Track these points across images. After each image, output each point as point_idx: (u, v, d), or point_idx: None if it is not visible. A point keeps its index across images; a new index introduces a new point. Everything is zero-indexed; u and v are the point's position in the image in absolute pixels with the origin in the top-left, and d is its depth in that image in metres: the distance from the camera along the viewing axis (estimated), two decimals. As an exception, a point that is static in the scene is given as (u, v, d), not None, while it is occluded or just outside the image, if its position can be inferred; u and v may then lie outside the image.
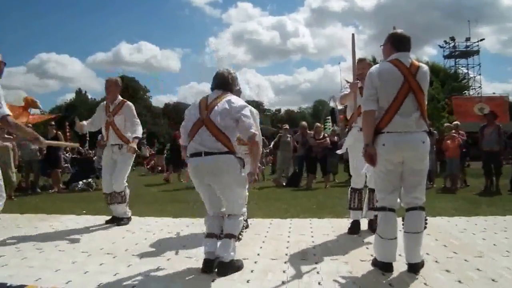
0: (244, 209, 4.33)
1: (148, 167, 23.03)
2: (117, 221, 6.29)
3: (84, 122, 6.45)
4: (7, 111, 4.13)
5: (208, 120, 3.95)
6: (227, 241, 3.97)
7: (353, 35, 5.11)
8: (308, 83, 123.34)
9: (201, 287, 3.59)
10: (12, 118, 4.20)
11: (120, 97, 6.35)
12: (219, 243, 4.00)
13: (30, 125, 10.21)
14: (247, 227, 5.43)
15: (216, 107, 3.98)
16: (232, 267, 3.94)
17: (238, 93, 4.50)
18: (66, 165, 14.31)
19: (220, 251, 3.93)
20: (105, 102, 6.44)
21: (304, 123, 14.19)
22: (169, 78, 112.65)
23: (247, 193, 4.47)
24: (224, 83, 4.19)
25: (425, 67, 3.83)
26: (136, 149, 6.35)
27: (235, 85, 4.32)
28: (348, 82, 5.37)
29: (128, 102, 6.33)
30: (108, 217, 6.43)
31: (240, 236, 4.32)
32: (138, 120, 6.39)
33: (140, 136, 6.35)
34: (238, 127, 3.99)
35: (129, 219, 6.43)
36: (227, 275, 3.81)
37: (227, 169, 3.90)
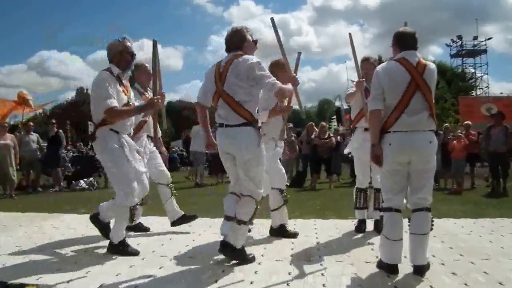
0: (260, 191, 4.17)
1: None
2: (185, 219, 5.81)
3: None
4: (114, 102, 4.23)
5: (222, 92, 4.05)
6: (236, 227, 4.05)
7: (350, 34, 5.13)
8: (312, 82, 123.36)
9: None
10: (117, 108, 4.26)
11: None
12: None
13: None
14: (286, 201, 5.25)
15: (227, 77, 4.02)
16: (239, 254, 4.05)
17: (251, 45, 4.25)
18: (66, 164, 14.26)
19: (230, 237, 4.04)
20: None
21: (311, 123, 14.14)
22: (171, 77, 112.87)
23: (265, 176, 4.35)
24: (231, 42, 4.19)
25: (433, 65, 3.78)
26: None
27: (244, 39, 4.19)
28: (354, 81, 5.34)
29: None
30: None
31: (252, 221, 4.24)
32: None
33: None
34: (258, 88, 4.05)
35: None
36: (230, 258, 4.07)
37: (245, 141, 3.98)
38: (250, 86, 4.00)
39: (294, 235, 5.18)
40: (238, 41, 4.17)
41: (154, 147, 5.64)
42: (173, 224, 5.71)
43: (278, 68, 4.81)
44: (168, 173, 5.78)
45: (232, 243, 4.04)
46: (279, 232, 5.20)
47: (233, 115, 4.01)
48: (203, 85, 4.31)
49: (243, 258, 4.09)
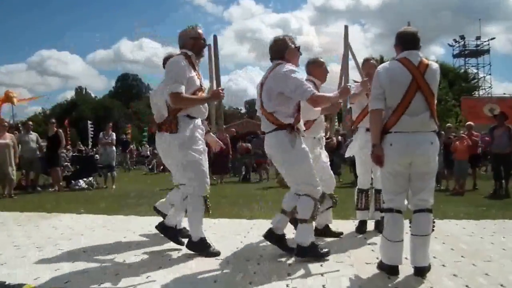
0: (316, 188, 4.19)
1: (150, 166, 22.96)
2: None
3: None
4: (175, 89, 4.23)
5: (261, 103, 4.26)
6: (299, 226, 4.19)
7: (346, 27, 5.13)
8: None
9: (203, 288, 3.54)
10: (183, 95, 4.27)
11: None
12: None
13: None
14: (335, 203, 5.23)
15: (264, 89, 4.21)
16: (311, 251, 4.15)
17: (293, 53, 4.34)
18: (66, 163, 14.26)
19: (296, 237, 4.20)
20: None
21: None
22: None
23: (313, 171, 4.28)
24: (272, 52, 4.33)
25: (435, 65, 3.74)
26: None
27: (285, 47, 4.27)
28: (356, 82, 5.32)
29: None
30: (109, 217, 6.38)
31: (315, 217, 4.24)
32: None
33: None
34: (294, 96, 4.11)
35: None
36: (304, 257, 4.12)
37: (275, 146, 4.17)
38: (280, 95, 4.10)
39: (338, 234, 5.18)
40: (279, 51, 4.29)
41: None
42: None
43: (315, 66, 5.02)
44: None
45: (299, 242, 4.16)
46: (324, 232, 5.18)
47: (265, 122, 4.24)
48: None
49: (313, 254, 4.17)
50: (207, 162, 4.54)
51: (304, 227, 4.15)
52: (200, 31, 4.61)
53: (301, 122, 4.39)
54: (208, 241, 4.45)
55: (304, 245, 4.14)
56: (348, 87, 4.33)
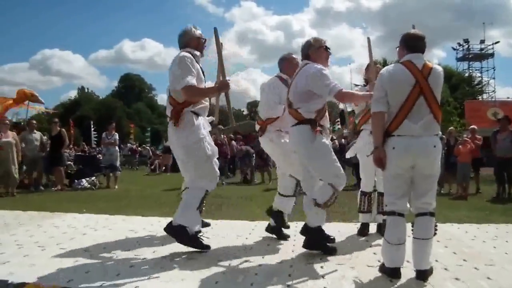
0: (340, 180, 4.40)
1: (152, 167, 22.95)
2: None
3: None
4: (188, 82, 4.30)
5: (289, 102, 4.44)
6: (313, 209, 4.35)
7: (368, 39, 5.20)
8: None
9: (204, 289, 3.54)
10: (196, 86, 4.38)
11: None
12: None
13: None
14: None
15: (291, 86, 4.44)
16: (316, 233, 4.44)
17: (318, 53, 4.47)
18: (69, 162, 14.28)
19: (308, 220, 4.46)
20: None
21: None
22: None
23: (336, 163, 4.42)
24: (302, 51, 4.53)
25: (439, 68, 3.73)
26: None
27: (308, 48, 4.47)
28: (356, 85, 5.33)
29: None
30: (111, 216, 6.37)
31: (328, 204, 4.35)
32: None
33: None
34: (320, 94, 4.28)
35: None
36: (311, 244, 4.42)
37: (297, 140, 4.35)
38: (307, 92, 4.27)
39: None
40: (303, 51, 4.51)
41: None
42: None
43: (285, 63, 5.14)
44: None
45: (307, 222, 4.46)
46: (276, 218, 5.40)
47: (290, 118, 4.42)
48: None
49: (316, 237, 4.42)
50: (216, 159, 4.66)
51: (317, 210, 4.34)
52: (200, 31, 4.75)
53: (326, 119, 4.55)
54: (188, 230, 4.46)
55: (312, 226, 4.40)
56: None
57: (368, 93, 4.47)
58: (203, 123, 4.57)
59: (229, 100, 4.75)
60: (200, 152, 4.44)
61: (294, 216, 6.63)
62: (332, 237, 4.57)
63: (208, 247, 4.55)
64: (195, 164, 4.50)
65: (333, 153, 4.39)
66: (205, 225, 5.60)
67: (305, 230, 4.50)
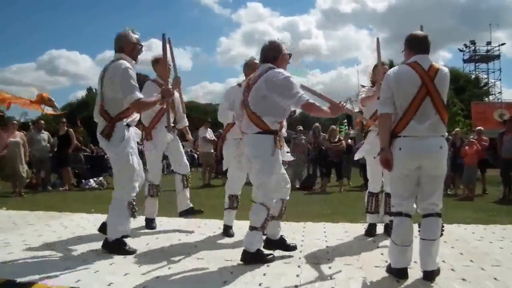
0: (272, 201, 4.23)
1: None
2: (190, 212, 6.05)
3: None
4: (137, 95, 4.29)
5: (246, 104, 4.18)
6: (248, 232, 4.17)
7: (377, 40, 5.23)
8: (321, 85, 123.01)
9: (212, 289, 3.57)
10: (144, 99, 4.36)
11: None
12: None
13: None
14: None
15: (253, 89, 4.13)
16: (254, 258, 4.13)
17: (285, 59, 4.32)
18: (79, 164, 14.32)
19: (244, 242, 4.19)
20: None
21: (317, 124, 14.08)
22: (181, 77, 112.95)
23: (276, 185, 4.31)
24: (264, 55, 4.25)
25: (445, 70, 3.74)
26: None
27: (279, 52, 4.23)
28: (363, 86, 5.33)
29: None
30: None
31: (264, 228, 4.22)
32: None
33: None
34: (286, 104, 4.11)
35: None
36: (246, 263, 4.09)
37: (257, 150, 4.10)
38: (271, 99, 4.05)
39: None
40: (274, 55, 4.22)
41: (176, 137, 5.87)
42: (180, 214, 5.97)
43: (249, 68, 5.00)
44: (187, 164, 6.02)
45: (245, 247, 4.15)
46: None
47: (248, 122, 4.15)
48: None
49: (259, 259, 4.17)
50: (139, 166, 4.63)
51: (254, 234, 4.14)
52: (138, 36, 4.63)
53: (283, 130, 4.47)
54: (124, 240, 4.52)
55: (250, 251, 4.14)
56: (342, 105, 4.04)
57: (327, 109, 4.01)
58: (133, 135, 4.57)
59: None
60: (127, 166, 4.42)
61: (302, 217, 6.67)
62: (271, 256, 4.32)
63: (134, 251, 4.54)
64: (119, 174, 4.51)
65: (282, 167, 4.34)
66: (197, 212, 6.03)
67: (247, 258, 4.15)
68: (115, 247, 4.46)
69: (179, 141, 6.01)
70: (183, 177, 5.91)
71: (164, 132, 5.54)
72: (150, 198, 5.94)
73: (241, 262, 4.13)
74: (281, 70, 4.11)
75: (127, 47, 4.51)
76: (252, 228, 4.14)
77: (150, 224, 5.88)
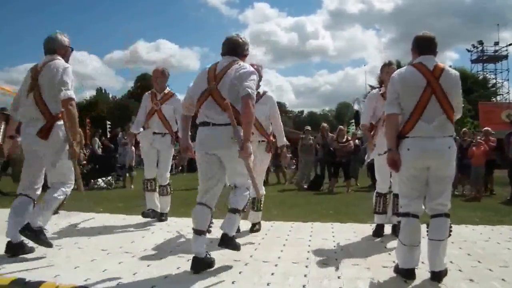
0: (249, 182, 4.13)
1: None
2: (158, 216, 6.40)
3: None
4: (73, 95, 4.36)
5: (215, 92, 3.93)
6: (232, 216, 4.12)
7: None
8: (328, 85, 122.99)
9: (221, 288, 3.59)
10: (74, 104, 4.41)
11: (168, 88, 6.40)
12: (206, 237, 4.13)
13: None
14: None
15: (224, 78, 3.93)
16: (232, 241, 4.16)
17: (247, 56, 4.31)
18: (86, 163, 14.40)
19: (225, 226, 4.11)
20: (150, 92, 6.46)
21: (324, 124, 14.06)
22: (188, 77, 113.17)
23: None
24: (234, 48, 4.15)
25: (453, 71, 3.75)
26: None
27: (246, 49, 4.23)
28: (371, 86, 5.35)
29: (178, 96, 6.37)
30: (128, 216, 6.47)
31: (244, 210, 4.32)
32: None
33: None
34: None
35: (167, 215, 6.55)
36: (228, 248, 4.13)
37: (233, 140, 3.83)
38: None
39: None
40: (242, 50, 4.18)
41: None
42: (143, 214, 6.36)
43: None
44: (167, 178, 6.46)
45: (226, 231, 4.11)
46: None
47: (219, 112, 3.90)
48: (192, 87, 4.22)
49: (233, 246, 4.20)
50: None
51: (237, 217, 4.17)
52: (69, 39, 4.68)
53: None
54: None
55: (230, 235, 4.13)
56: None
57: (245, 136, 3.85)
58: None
59: None
60: (66, 162, 4.56)
61: (310, 217, 6.70)
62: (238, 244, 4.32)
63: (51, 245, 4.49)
64: (60, 169, 4.65)
65: None
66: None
67: (228, 242, 4.15)
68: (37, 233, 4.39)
69: (171, 151, 6.45)
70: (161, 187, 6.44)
71: (147, 133, 6.28)
72: (146, 192, 6.46)
73: (219, 247, 4.15)
74: (250, 67, 4.08)
75: (60, 51, 4.54)
76: (234, 210, 4.11)
77: (148, 214, 6.34)
